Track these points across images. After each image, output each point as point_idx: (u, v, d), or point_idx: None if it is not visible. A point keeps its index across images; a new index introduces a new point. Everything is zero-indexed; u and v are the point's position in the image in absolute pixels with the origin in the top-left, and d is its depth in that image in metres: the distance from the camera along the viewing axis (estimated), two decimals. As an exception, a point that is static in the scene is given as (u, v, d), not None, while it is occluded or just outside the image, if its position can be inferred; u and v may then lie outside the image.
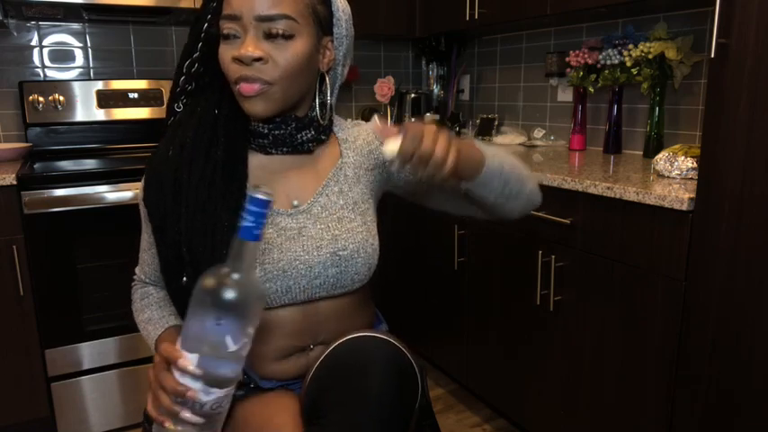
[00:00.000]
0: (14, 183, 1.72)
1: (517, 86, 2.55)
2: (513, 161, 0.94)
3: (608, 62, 1.90)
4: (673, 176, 1.45)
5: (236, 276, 0.70)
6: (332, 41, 0.92)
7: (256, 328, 0.74)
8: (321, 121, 0.93)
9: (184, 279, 0.86)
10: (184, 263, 0.86)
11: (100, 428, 1.95)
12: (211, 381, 0.72)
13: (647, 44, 1.75)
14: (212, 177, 0.88)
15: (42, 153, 2.20)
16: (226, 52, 0.84)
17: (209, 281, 0.70)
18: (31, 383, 1.83)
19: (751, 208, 1.14)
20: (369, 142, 1.00)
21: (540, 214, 1.61)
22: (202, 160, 0.89)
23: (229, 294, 0.69)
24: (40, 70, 2.24)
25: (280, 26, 0.82)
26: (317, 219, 0.93)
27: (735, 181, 1.16)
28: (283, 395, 0.94)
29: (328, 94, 0.95)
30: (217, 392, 0.73)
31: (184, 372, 0.72)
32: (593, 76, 1.98)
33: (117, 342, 1.92)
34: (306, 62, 0.86)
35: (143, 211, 0.93)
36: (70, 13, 2.10)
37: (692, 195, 1.24)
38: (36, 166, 1.94)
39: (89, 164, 2.03)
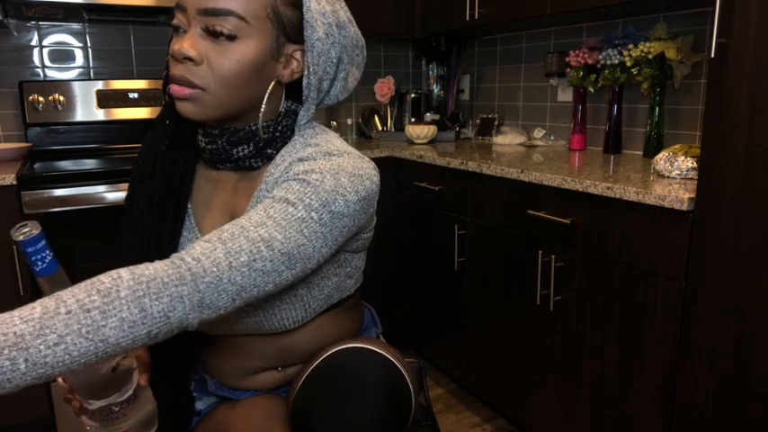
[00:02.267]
0: (14, 183, 1.72)
1: (517, 86, 2.55)
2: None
3: (608, 62, 1.90)
4: (673, 176, 1.45)
5: None
6: (301, 50, 0.81)
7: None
8: (263, 137, 0.82)
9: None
10: None
11: (100, 428, 1.95)
12: (81, 392, 0.73)
13: (647, 44, 1.75)
14: (155, 191, 0.83)
15: (42, 153, 2.20)
16: (171, 46, 0.76)
17: None
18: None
19: (751, 208, 1.14)
20: (286, 160, 0.82)
21: (540, 214, 1.61)
22: (148, 174, 0.85)
23: None
24: (40, 70, 2.24)
25: (224, 24, 0.73)
26: None
27: (735, 181, 1.16)
28: (266, 399, 0.91)
29: (281, 107, 0.83)
30: (96, 403, 0.74)
31: (61, 385, 0.74)
32: (593, 76, 1.98)
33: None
34: (252, 70, 0.76)
35: None
36: (70, 13, 2.10)
37: (692, 195, 1.24)
38: (36, 166, 1.94)
39: (89, 164, 2.03)
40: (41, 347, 0.56)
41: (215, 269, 0.64)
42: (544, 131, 2.39)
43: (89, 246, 1.83)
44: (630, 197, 1.35)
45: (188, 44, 0.73)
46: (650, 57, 1.75)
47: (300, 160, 0.79)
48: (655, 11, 1.87)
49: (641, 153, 1.96)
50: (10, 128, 2.23)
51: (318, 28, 0.79)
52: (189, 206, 0.86)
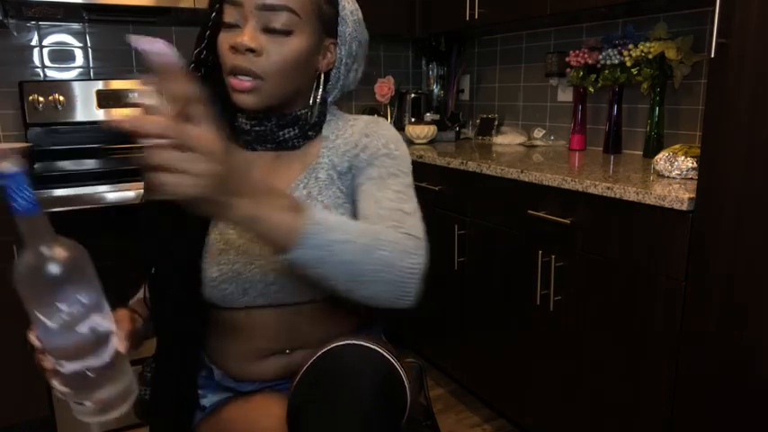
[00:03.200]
0: (14, 183, 1.72)
1: (517, 86, 2.55)
2: (361, 239, 0.71)
3: (608, 62, 1.90)
4: (673, 176, 1.45)
5: (27, 258, 0.67)
6: (334, 44, 0.90)
7: (89, 301, 0.69)
8: (308, 120, 0.91)
9: (152, 269, 0.88)
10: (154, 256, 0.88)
11: (100, 428, 1.95)
12: (57, 354, 0.69)
13: (647, 44, 1.75)
14: None
15: (42, 153, 2.20)
16: (224, 40, 0.83)
17: (21, 268, 0.67)
18: (31, 383, 1.83)
19: (751, 208, 1.14)
20: (347, 142, 0.92)
21: (540, 214, 1.61)
22: None
23: (25, 277, 0.66)
24: (40, 70, 2.24)
25: (281, 19, 0.81)
26: None
27: (735, 181, 1.16)
28: (269, 398, 0.92)
29: (319, 95, 0.91)
30: (70, 365, 0.69)
31: (35, 344, 0.72)
32: (593, 76, 1.99)
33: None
34: (302, 61, 0.84)
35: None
36: (70, 13, 2.10)
37: (692, 195, 1.24)
38: (36, 166, 1.94)
39: (89, 164, 2.03)
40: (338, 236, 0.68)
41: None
42: (544, 131, 2.39)
43: (89, 246, 1.82)
44: (630, 197, 1.35)
45: (248, 37, 0.80)
46: (650, 57, 1.75)
47: (366, 135, 0.91)
48: (655, 11, 1.87)
49: (641, 153, 1.96)
50: (10, 128, 2.23)
51: (349, 24, 0.91)
52: None
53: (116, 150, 2.32)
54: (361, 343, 0.80)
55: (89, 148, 2.28)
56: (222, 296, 0.87)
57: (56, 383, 0.70)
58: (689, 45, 1.74)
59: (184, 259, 0.86)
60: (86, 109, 2.24)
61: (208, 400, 0.97)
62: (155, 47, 0.54)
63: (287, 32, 0.82)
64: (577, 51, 2.01)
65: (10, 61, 2.19)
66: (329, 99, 0.95)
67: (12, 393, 1.81)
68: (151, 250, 0.88)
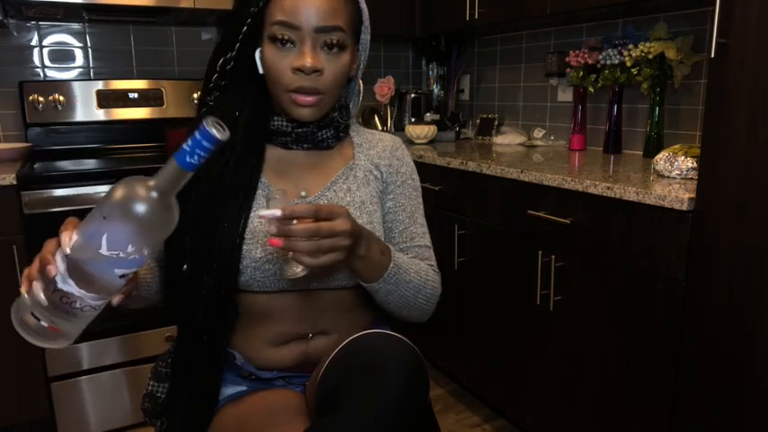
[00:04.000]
0: (14, 183, 1.72)
1: (517, 86, 2.55)
2: (415, 279, 0.96)
3: (608, 62, 1.90)
4: (673, 176, 1.45)
5: (153, 194, 0.66)
6: (358, 49, 0.98)
7: (146, 257, 0.70)
8: (341, 121, 1.00)
9: (185, 267, 0.89)
10: (186, 251, 0.89)
11: (100, 428, 1.95)
12: (73, 271, 0.67)
13: (647, 44, 1.75)
14: (223, 172, 0.91)
15: (42, 153, 2.20)
16: (281, 60, 0.88)
17: (127, 184, 0.67)
18: (31, 383, 1.83)
19: (751, 208, 1.14)
20: (380, 156, 1.04)
21: (540, 214, 1.61)
22: (216, 156, 0.89)
23: (134, 204, 0.66)
24: (40, 70, 2.24)
25: (334, 38, 0.87)
26: None
27: (735, 181, 1.16)
28: (286, 393, 0.95)
29: (350, 97, 1.04)
30: (72, 287, 0.68)
31: (62, 246, 0.68)
32: (593, 76, 1.98)
33: (117, 342, 1.92)
34: (348, 71, 0.93)
35: None
36: (70, 13, 2.10)
37: (692, 195, 1.24)
38: (36, 166, 1.94)
39: (89, 164, 2.04)
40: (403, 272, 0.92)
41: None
42: (544, 131, 2.39)
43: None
44: (630, 197, 1.35)
45: (313, 59, 0.87)
46: (650, 57, 1.75)
47: (397, 159, 1.05)
48: (655, 11, 1.87)
49: (641, 153, 1.96)
50: (10, 128, 2.23)
51: (368, 31, 0.99)
52: (263, 179, 0.95)
53: (116, 150, 2.32)
54: (387, 332, 0.85)
55: (89, 148, 2.28)
56: (262, 278, 0.90)
57: (39, 288, 0.68)
58: (689, 45, 1.74)
59: (227, 244, 0.88)
60: (86, 109, 2.24)
61: (224, 392, 0.98)
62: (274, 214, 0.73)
63: (341, 47, 0.89)
64: (577, 51, 2.01)
65: (10, 61, 2.19)
66: (352, 107, 1.06)
67: (12, 393, 1.81)
68: (186, 244, 0.89)
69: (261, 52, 0.90)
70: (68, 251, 0.67)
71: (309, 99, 0.89)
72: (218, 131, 0.65)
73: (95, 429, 1.94)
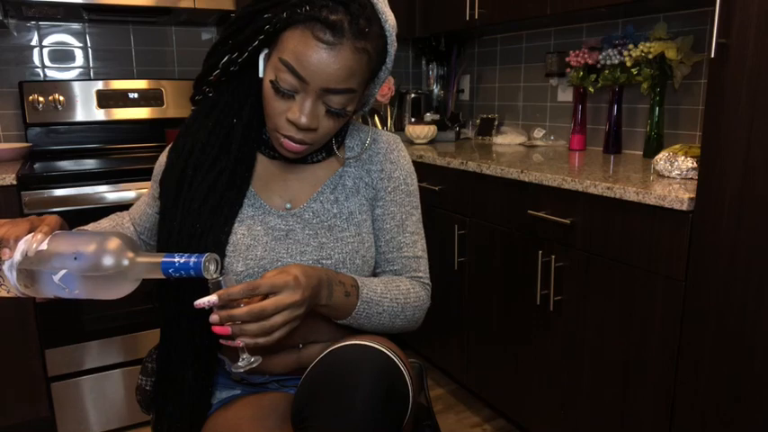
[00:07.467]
0: (14, 183, 1.72)
1: (517, 86, 2.55)
2: (393, 306, 0.93)
3: (608, 62, 1.90)
4: (673, 176, 1.45)
5: (125, 262, 0.72)
6: (371, 83, 0.92)
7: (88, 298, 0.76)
8: (334, 144, 0.96)
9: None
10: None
11: (100, 428, 1.95)
12: (21, 266, 0.74)
13: (647, 44, 1.75)
14: (214, 183, 0.90)
15: (42, 153, 2.20)
16: (277, 102, 0.83)
17: (114, 244, 0.73)
18: (31, 383, 1.83)
19: (751, 208, 1.14)
20: (373, 159, 0.99)
21: (540, 214, 1.61)
22: (208, 165, 0.90)
23: (107, 261, 0.72)
24: (40, 70, 2.24)
25: (341, 100, 0.83)
26: (306, 224, 0.94)
27: (735, 181, 1.16)
28: (279, 396, 0.94)
29: (349, 124, 1.00)
30: (12, 277, 0.75)
31: (29, 246, 0.75)
32: (593, 76, 1.98)
33: (117, 342, 1.92)
34: (346, 120, 0.89)
35: (154, 185, 0.99)
36: (70, 13, 2.10)
37: (692, 195, 1.24)
38: (36, 166, 1.94)
39: (89, 164, 2.04)
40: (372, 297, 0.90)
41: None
42: (544, 131, 2.39)
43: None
44: (630, 197, 1.35)
45: (310, 118, 0.82)
46: (650, 57, 1.75)
47: (391, 162, 1.00)
48: (655, 11, 1.87)
49: (641, 153, 1.96)
50: (10, 128, 2.23)
51: (388, 68, 0.92)
52: (251, 189, 0.95)
53: (116, 150, 2.32)
54: (365, 342, 0.81)
55: (89, 148, 2.29)
56: None
57: (5, 252, 0.76)
58: (689, 45, 1.74)
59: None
60: (86, 109, 2.24)
61: (217, 396, 0.98)
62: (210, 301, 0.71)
63: (344, 109, 0.85)
64: (577, 51, 2.01)
65: (10, 61, 2.19)
66: (356, 115, 1.01)
67: (12, 393, 1.81)
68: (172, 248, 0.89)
69: (265, 59, 0.86)
70: (30, 254, 0.74)
71: (297, 147, 0.86)
72: (210, 273, 0.70)
73: (95, 429, 1.94)
